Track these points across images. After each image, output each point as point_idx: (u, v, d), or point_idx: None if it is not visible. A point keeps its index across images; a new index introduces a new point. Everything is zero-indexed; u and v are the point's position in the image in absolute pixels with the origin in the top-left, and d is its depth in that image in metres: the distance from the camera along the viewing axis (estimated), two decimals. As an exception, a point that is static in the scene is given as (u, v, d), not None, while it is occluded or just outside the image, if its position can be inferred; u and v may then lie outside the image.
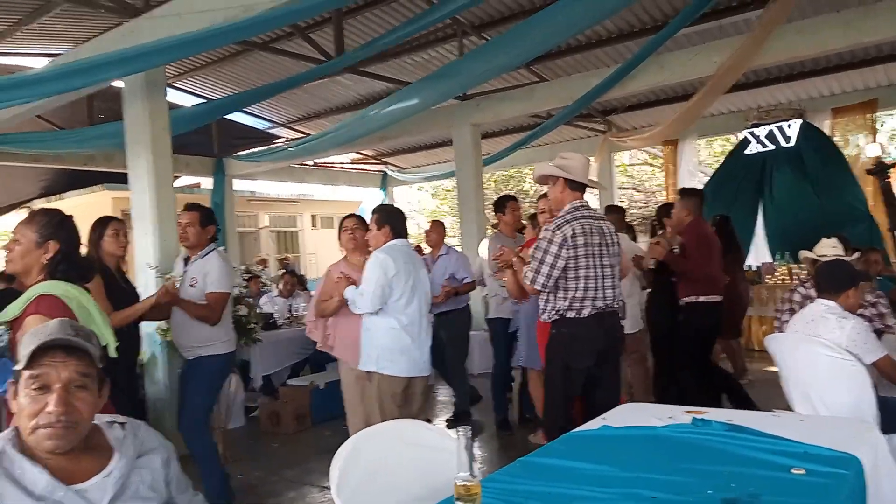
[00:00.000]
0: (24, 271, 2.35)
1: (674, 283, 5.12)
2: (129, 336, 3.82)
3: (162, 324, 4.80)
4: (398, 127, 8.20)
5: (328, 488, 2.08)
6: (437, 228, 6.07)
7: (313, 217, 17.21)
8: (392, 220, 3.82)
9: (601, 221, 3.56)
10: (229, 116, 9.81)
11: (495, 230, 5.98)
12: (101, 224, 3.83)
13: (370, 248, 3.94)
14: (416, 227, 19.50)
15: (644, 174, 20.48)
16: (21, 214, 7.79)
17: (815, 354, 3.15)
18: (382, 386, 3.67)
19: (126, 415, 1.72)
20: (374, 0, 6.52)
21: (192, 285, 3.85)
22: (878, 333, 3.72)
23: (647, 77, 6.99)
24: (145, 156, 5.40)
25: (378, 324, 3.69)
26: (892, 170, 8.49)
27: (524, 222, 5.80)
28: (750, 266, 8.67)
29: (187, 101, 8.97)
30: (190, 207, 4.00)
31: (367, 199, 14.91)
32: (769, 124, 9.33)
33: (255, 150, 10.63)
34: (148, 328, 4.98)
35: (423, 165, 13.30)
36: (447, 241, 6.16)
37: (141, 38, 4.64)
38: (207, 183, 11.48)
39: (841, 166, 8.80)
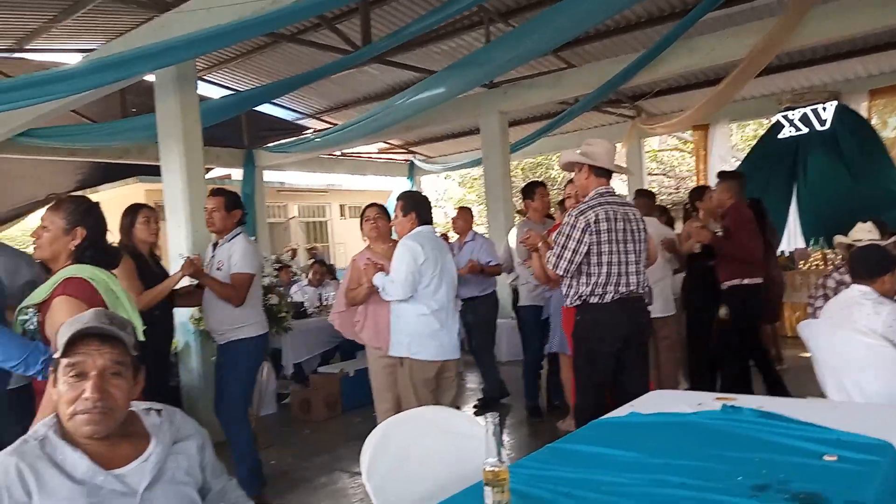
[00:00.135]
0: (53, 258, 2.39)
1: (712, 268, 5.07)
2: (161, 322, 3.93)
3: (195, 311, 4.89)
4: (425, 116, 8.20)
5: (359, 474, 2.11)
6: (464, 215, 6.08)
7: (342, 207, 17.31)
8: (418, 206, 3.83)
9: (626, 207, 3.56)
10: (258, 108, 9.91)
11: (523, 217, 5.96)
12: (132, 211, 3.93)
13: (396, 236, 3.96)
14: (444, 216, 19.51)
15: (674, 160, 20.21)
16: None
17: (850, 341, 3.10)
18: (415, 371, 3.70)
19: (155, 401, 1.77)
20: (400, -11, 6.53)
21: (218, 268, 3.90)
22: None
23: (677, 61, 6.87)
24: (177, 148, 5.48)
25: (408, 310, 3.71)
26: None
27: (552, 209, 5.78)
28: (783, 252, 8.53)
29: (217, 93, 9.07)
30: (215, 192, 4.05)
31: (396, 190, 14.95)
32: (803, 107, 9.14)
33: (284, 141, 10.73)
34: (181, 317, 5.08)
35: (450, 154, 13.29)
36: (475, 228, 6.18)
37: (171, 32, 4.70)
38: (238, 174, 11.63)
39: (878, 149, 8.59)
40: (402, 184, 13.91)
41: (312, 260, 9.24)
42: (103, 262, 2.39)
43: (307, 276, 8.29)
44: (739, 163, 10.37)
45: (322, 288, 7.89)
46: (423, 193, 4.39)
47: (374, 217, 4.12)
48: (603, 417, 2.43)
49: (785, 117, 9.33)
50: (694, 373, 5.37)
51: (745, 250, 4.85)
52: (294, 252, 12.09)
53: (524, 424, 5.41)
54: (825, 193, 8.72)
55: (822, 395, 3.27)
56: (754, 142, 11.97)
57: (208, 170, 10.62)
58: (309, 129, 11.18)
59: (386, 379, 3.94)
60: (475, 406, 5.91)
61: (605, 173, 3.55)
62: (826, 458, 1.81)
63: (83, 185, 12.93)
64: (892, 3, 5.75)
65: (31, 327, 2.30)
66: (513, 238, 5.86)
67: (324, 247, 16.30)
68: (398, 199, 3.96)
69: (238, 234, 3.95)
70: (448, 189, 23.41)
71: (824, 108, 8.96)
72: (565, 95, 8.32)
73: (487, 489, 1.55)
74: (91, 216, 2.43)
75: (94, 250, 2.38)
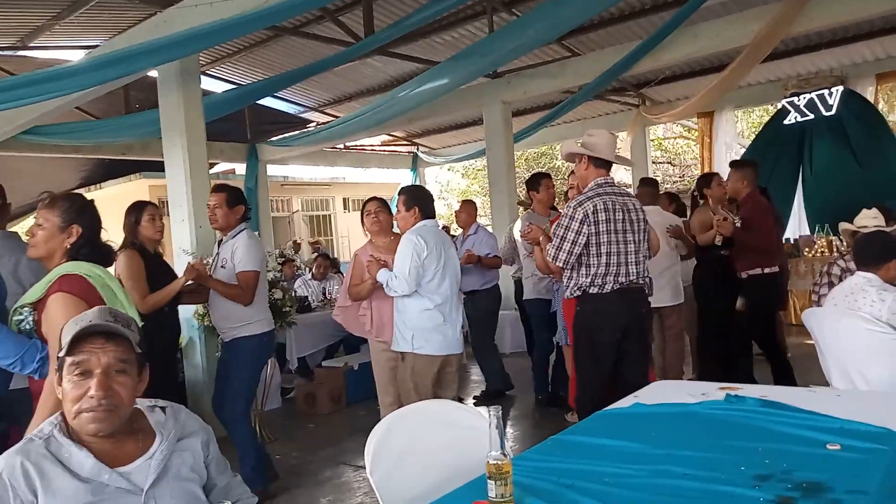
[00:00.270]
0: (48, 256, 2.36)
1: (723, 257, 5.04)
2: (170, 320, 3.95)
3: (199, 308, 4.90)
4: (428, 107, 8.18)
5: (363, 467, 2.12)
6: (467, 208, 6.07)
7: (345, 200, 17.32)
8: (420, 201, 3.83)
9: (626, 197, 3.56)
10: (261, 102, 9.90)
11: (527, 210, 5.96)
12: (138, 209, 3.90)
13: (398, 230, 3.96)
14: (447, 208, 19.49)
15: (679, 147, 20.12)
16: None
17: (855, 328, 3.09)
18: (417, 366, 3.71)
19: (167, 398, 1.77)
20: (402, -20, 6.51)
21: (222, 266, 3.90)
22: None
23: (681, 48, 6.83)
24: (180, 143, 5.49)
25: (411, 305, 3.72)
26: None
27: (557, 201, 5.77)
28: (788, 239, 8.49)
29: (220, 88, 9.08)
30: (217, 189, 4.03)
31: (402, 182, 14.94)
32: (809, 93, 9.07)
33: (287, 134, 10.73)
34: (185, 312, 5.09)
35: (454, 145, 13.26)
36: (481, 220, 6.18)
37: (174, 27, 4.70)
38: (242, 169, 11.64)
39: (885, 134, 8.53)
40: (406, 176, 13.90)
41: (316, 254, 9.25)
42: (98, 260, 2.36)
43: (311, 270, 8.31)
44: (745, 150, 10.31)
45: (326, 282, 7.91)
46: (426, 187, 4.39)
47: (376, 211, 4.11)
48: (607, 408, 2.44)
49: (790, 103, 9.26)
50: (705, 364, 5.32)
51: (765, 240, 4.84)
52: (298, 246, 12.11)
53: (528, 417, 5.42)
54: (831, 180, 8.66)
55: (826, 383, 3.27)
56: (760, 128, 11.91)
57: (212, 165, 10.64)
58: (312, 122, 11.17)
59: (390, 373, 3.95)
60: (475, 398, 5.93)
61: (605, 164, 3.55)
62: (829, 446, 1.81)
63: (87, 182, 12.97)
64: (898, -15, 5.70)
65: (27, 327, 2.27)
66: (517, 230, 5.86)
67: (327, 240, 16.31)
68: (400, 193, 3.95)
69: (241, 231, 3.94)
70: (451, 180, 23.38)
71: (830, 94, 8.90)
72: (569, 84, 8.27)
73: (491, 482, 1.56)
74: (86, 214, 2.40)
75: (90, 248, 2.36)
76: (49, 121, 7.17)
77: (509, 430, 5.02)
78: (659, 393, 2.54)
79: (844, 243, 6.08)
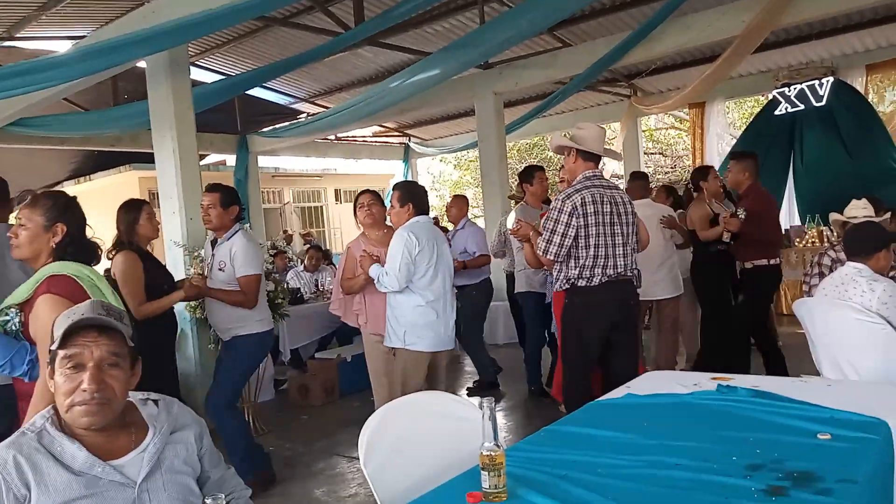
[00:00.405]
0: (33, 256, 2.28)
1: (722, 252, 5.05)
2: (169, 315, 3.94)
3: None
4: (420, 98, 8.15)
5: (357, 459, 2.12)
6: (458, 203, 6.06)
7: (337, 191, 17.26)
8: (414, 197, 3.82)
9: (614, 190, 3.58)
10: (252, 93, 9.85)
11: (520, 202, 5.96)
12: (135, 208, 3.86)
13: (391, 225, 3.95)
14: (439, 199, 19.45)
15: (670, 138, 20.15)
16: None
17: (845, 318, 3.11)
18: (408, 362, 3.72)
19: (166, 392, 1.76)
20: (391, -30, 6.46)
21: (220, 269, 3.86)
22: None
23: (672, 38, 6.82)
24: (170, 135, 5.45)
25: (404, 301, 3.72)
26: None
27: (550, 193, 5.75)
28: (779, 229, 8.52)
29: (209, 79, 9.00)
30: (211, 188, 3.97)
31: (395, 173, 14.93)
32: (800, 83, 9.10)
33: (278, 125, 10.67)
34: (177, 305, 5.08)
35: (446, 136, 13.24)
36: (471, 212, 6.17)
37: (162, 17, 4.66)
38: (233, 160, 11.58)
39: (875, 125, 8.57)
40: (398, 167, 13.87)
41: (308, 246, 9.23)
42: (85, 258, 2.30)
43: (303, 262, 8.29)
44: (736, 140, 10.34)
45: (318, 273, 7.90)
46: (420, 183, 4.37)
47: (369, 204, 4.10)
48: (599, 399, 2.45)
49: (781, 94, 9.29)
50: (709, 357, 5.25)
51: (771, 231, 4.86)
52: (290, 237, 12.07)
53: (521, 408, 5.44)
54: (821, 171, 8.70)
55: (816, 373, 3.29)
56: (751, 119, 11.94)
57: (202, 156, 10.58)
58: (303, 113, 11.12)
59: (383, 364, 3.95)
60: (468, 389, 5.95)
61: (594, 157, 3.57)
62: (820, 436, 1.82)
63: (76, 174, 12.88)
64: (888, -24, 5.72)
65: (13, 328, 2.20)
66: (510, 223, 5.85)
67: (319, 232, 16.27)
68: (394, 189, 3.94)
69: (237, 232, 3.91)
70: (443, 172, 23.32)
71: (821, 84, 8.93)
72: (560, 75, 8.26)
73: (484, 473, 1.57)
74: (70, 212, 2.32)
75: (76, 247, 2.29)
76: (36, 112, 7.10)
77: (502, 421, 5.04)
78: (651, 383, 2.55)
79: (835, 234, 6.10)
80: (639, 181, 5.61)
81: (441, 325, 3.75)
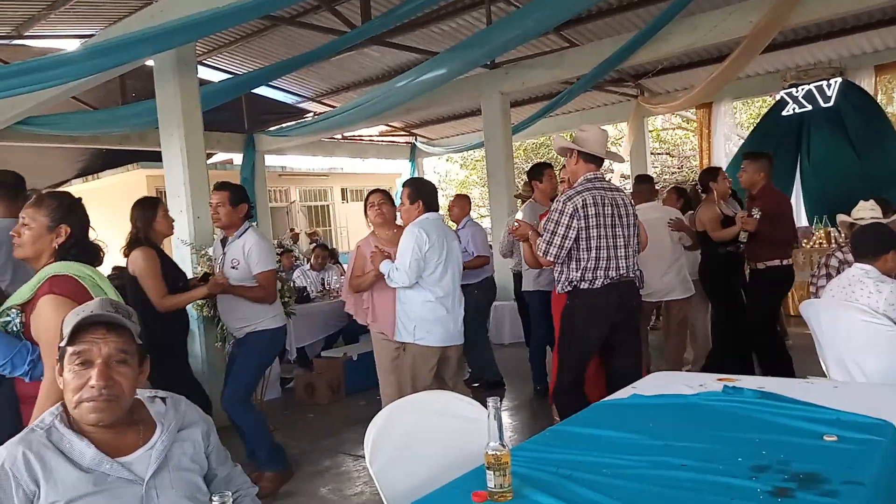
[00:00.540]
0: (35, 256, 2.27)
1: (731, 253, 5.03)
2: (182, 313, 3.99)
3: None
4: (426, 98, 8.15)
5: (362, 457, 2.13)
6: (460, 202, 6.05)
7: (343, 190, 17.30)
8: (424, 194, 3.85)
9: (615, 192, 3.58)
10: (259, 92, 9.88)
11: (527, 201, 5.95)
12: (151, 206, 3.89)
13: (402, 223, 3.96)
14: (445, 199, 19.44)
15: (677, 139, 20.10)
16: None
17: (851, 320, 3.10)
18: (417, 356, 3.74)
19: (180, 390, 1.78)
20: (399, -31, 6.46)
21: (233, 266, 3.88)
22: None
23: (680, 38, 6.80)
24: (178, 133, 5.47)
25: (413, 297, 3.75)
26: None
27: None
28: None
29: (217, 77, 9.04)
30: (219, 187, 3.99)
31: (401, 172, 14.91)
32: (808, 84, 9.06)
33: (285, 124, 10.69)
34: (186, 304, 5.11)
35: (452, 136, 13.24)
36: (478, 211, 6.16)
37: (170, 15, 4.68)
38: (240, 159, 11.61)
39: (884, 126, 8.52)
40: (404, 166, 13.88)
41: (314, 244, 9.25)
42: (87, 260, 2.30)
43: (309, 261, 8.30)
44: (743, 141, 10.30)
45: (324, 272, 7.91)
46: (429, 180, 4.39)
47: (379, 203, 4.12)
48: (605, 399, 2.45)
49: (789, 94, 9.24)
50: (723, 359, 5.18)
51: (787, 231, 4.84)
52: (296, 236, 12.10)
53: (526, 407, 5.44)
54: (829, 171, 8.66)
55: (823, 374, 3.28)
56: (758, 119, 11.90)
57: (210, 155, 10.61)
58: (310, 112, 11.14)
59: (391, 363, 3.97)
60: (471, 386, 5.93)
61: (596, 159, 3.57)
62: (826, 438, 1.82)
63: (85, 172, 12.95)
64: (896, -23, 5.68)
65: (14, 329, 2.18)
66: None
67: (325, 231, 16.30)
68: (404, 186, 3.97)
69: (247, 230, 3.93)
70: (450, 171, 23.32)
71: (829, 85, 8.88)
72: (567, 75, 8.24)
73: (489, 472, 1.57)
74: (74, 213, 2.32)
75: (79, 248, 2.29)
76: (45, 111, 7.14)
77: (507, 420, 5.04)
78: (657, 384, 2.55)
79: (842, 235, 6.08)
80: (644, 185, 5.59)
81: (451, 320, 3.78)
